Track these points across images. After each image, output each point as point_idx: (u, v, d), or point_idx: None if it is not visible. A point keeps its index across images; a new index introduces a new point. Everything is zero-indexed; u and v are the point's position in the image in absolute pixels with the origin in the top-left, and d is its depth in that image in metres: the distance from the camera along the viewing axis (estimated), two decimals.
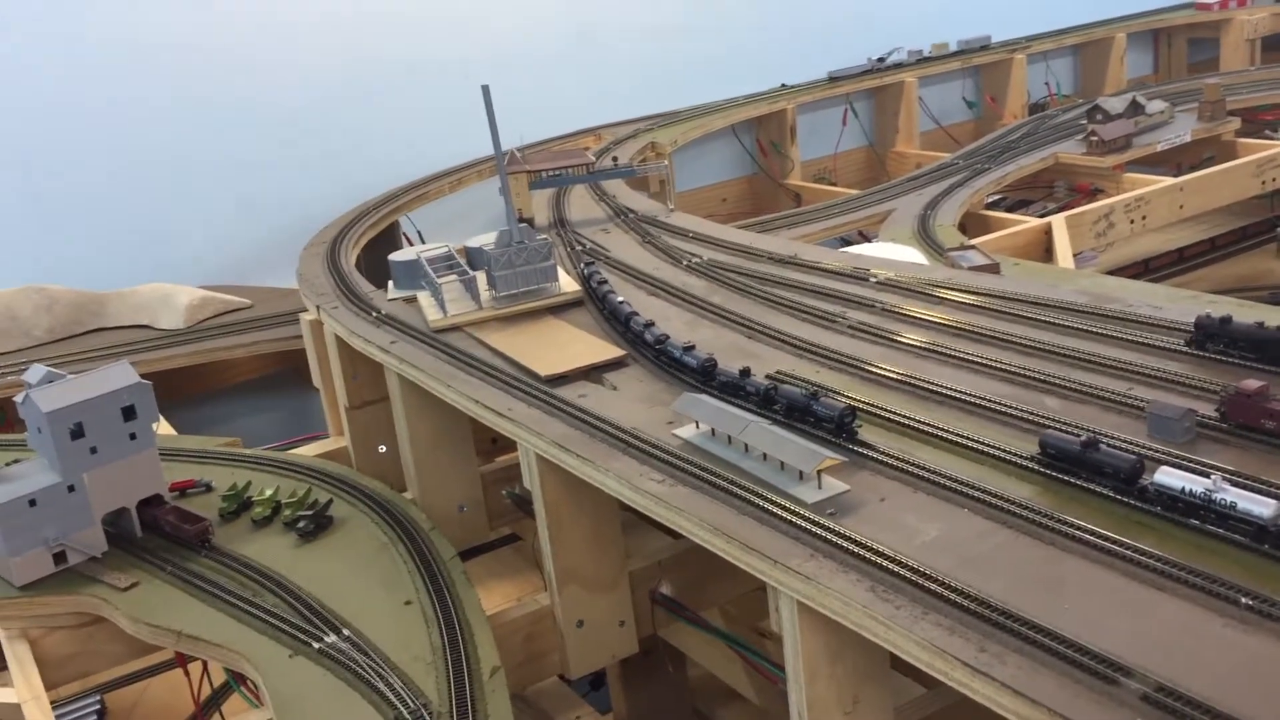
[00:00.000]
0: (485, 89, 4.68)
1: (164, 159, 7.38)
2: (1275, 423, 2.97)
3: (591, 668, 4.23)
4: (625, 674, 5.19)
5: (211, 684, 4.80)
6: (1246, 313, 3.60)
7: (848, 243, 7.58)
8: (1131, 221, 7.23)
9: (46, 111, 7.01)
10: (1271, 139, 8.43)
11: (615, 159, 7.09)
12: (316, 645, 3.66)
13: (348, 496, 4.65)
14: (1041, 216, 7.26)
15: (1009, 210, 8.19)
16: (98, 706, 4.99)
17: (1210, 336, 3.55)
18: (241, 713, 4.00)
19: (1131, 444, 3.08)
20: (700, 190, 9.44)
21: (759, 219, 7.63)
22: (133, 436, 4.36)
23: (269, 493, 4.58)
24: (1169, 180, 7.55)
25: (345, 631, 3.72)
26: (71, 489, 4.21)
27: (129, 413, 4.32)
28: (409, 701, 3.33)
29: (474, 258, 5.43)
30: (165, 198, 7.41)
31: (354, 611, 3.84)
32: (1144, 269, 8.48)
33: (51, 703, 4.07)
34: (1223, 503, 2.66)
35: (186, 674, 4.60)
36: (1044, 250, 6.90)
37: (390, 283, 5.50)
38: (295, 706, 3.43)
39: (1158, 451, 3.04)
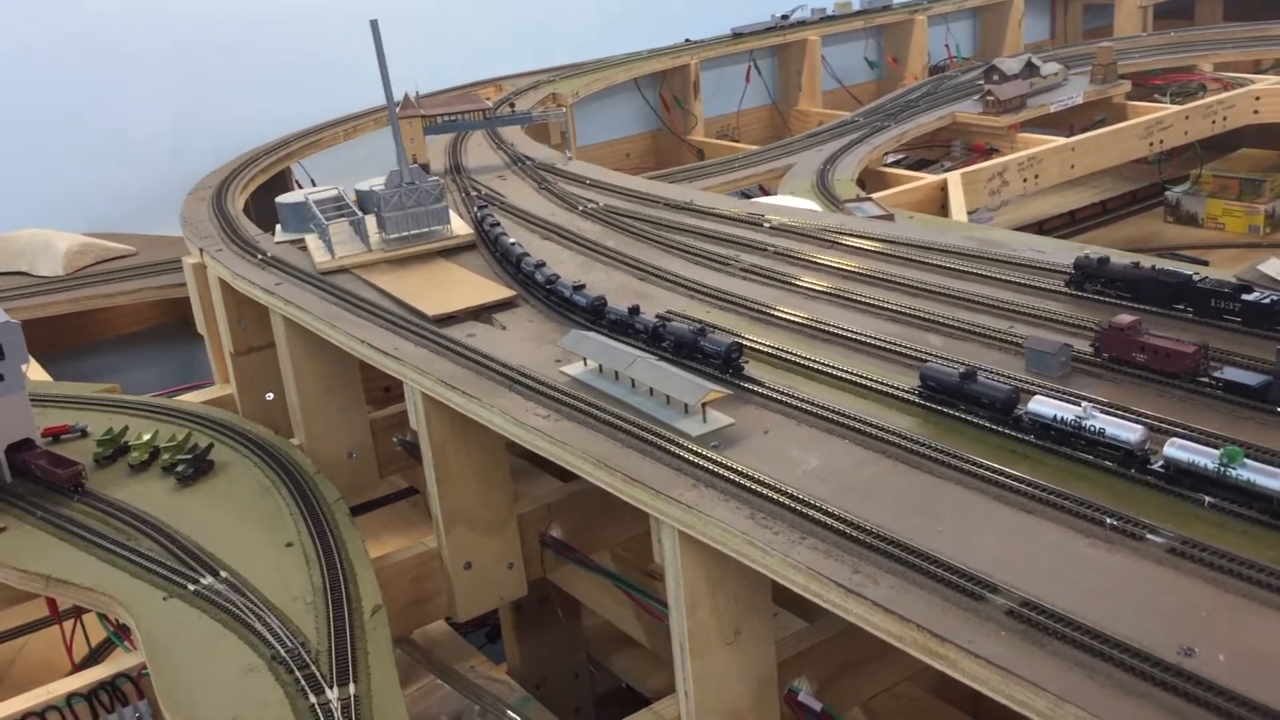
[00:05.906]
0: (374, 23, 4.55)
1: (43, 102, 7.09)
2: (1145, 355, 3.04)
3: (479, 610, 4.19)
4: (519, 624, 5.17)
5: (89, 641, 4.67)
6: (1127, 257, 3.67)
7: (748, 196, 7.58)
8: (1024, 180, 7.34)
9: None
10: (1160, 103, 8.63)
11: (513, 105, 6.99)
12: (192, 587, 3.56)
13: (230, 441, 4.53)
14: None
15: (909, 170, 8.27)
16: None
17: (1089, 277, 3.62)
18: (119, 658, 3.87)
19: (1010, 379, 3.12)
20: (604, 144, 9.37)
21: (661, 172, 7.60)
22: (0, 379, 4.19)
23: (146, 437, 4.43)
24: (1061, 140, 7.69)
25: (223, 574, 3.63)
26: None
27: None
28: (286, 641, 3.26)
29: (365, 201, 5.31)
30: (45, 142, 7.12)
31: (233, 554, 3.74)
32: (1038, 230, 8.64)
33: None
34: (1092, 429, 2.71)
35: (60, 628, 4.47)
36: (940, 207, 6.97)
37: (278, 226, 5.36)
38: (169, 648, 3.33)
39: (1034, 385, 3.09)
